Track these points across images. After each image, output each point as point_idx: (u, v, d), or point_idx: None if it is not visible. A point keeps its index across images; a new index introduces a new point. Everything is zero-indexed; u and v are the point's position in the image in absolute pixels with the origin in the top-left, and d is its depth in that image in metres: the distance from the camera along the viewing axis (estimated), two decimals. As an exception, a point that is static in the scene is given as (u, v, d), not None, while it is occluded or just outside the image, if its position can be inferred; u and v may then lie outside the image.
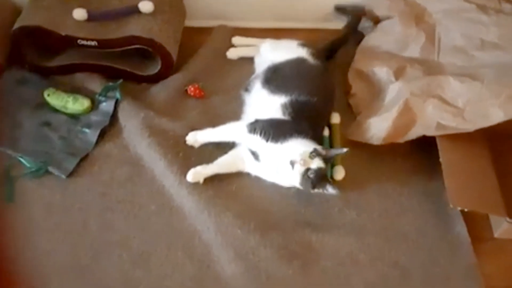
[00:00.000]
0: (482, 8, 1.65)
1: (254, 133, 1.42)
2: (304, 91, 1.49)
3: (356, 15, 1.94)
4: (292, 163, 1.34)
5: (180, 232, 1.37)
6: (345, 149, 1.38)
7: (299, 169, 1.33)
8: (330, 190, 1.34)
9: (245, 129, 1.45)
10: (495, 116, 1.36)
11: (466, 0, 1.68)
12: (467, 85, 1.44)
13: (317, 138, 1.46)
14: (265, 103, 1.51)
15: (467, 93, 1.43)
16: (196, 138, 1.53)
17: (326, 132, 1.58)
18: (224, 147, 1.51)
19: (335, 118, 1.62)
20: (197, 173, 1.44)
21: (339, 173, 1.47)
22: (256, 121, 1.46)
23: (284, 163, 1.36)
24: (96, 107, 1.62)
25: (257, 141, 1.41)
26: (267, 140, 1.39)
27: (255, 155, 1.44)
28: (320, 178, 1.33)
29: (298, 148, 1.36)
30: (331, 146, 1.54)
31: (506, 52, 1.55)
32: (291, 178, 1.37)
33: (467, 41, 1.62)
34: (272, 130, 1.40)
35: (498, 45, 1.58)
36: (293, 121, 1.45)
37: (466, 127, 1.40)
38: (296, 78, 1.55)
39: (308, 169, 1.32)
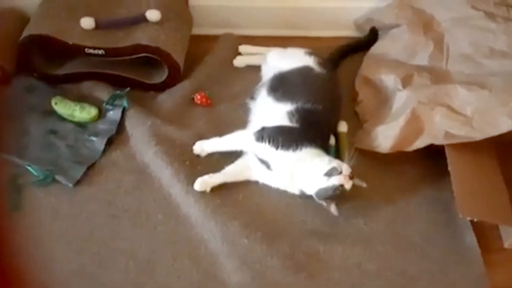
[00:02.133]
0: (491, 16, 1.65)
1: (262, 141, 1.41)
2: (310, 99, 1.48)
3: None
4: (330, 174, 1.32)
5: (186, 241, 1.36)
6: (364, 184, 1.37)
7: (335, 182, 1.31)
8: (333, 210, 1.36)
9: (253, 138, 1.44)
10: (504, 125, 1.35)
11: (474, 8, 1.68)
12: (475, 94, 1.43)
13: (324, 147, 1.46)
14: (271, 111, 1.51)
15: (475, 101, 1.42)
16: (203, 147, 1.52)
17: (332, 141, 1.57)
18: (230, 156, 1.51)
19: (343, 127, 1.61)
20: (204, 182, 1.43)
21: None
22: (263, 128, 1.45)
23: (299, 172, 1.38)
24: (103, 116, 1.62)
25: (266, 150, 1.41)
26: (276, 148, 1.39)
27: (266, 164, 1.43)
28: (339, 196, 1.34)
29: (324, 160, 1.35)
30: (338, 155, 1.52)
31: (515, 61, 1.55)
32: (308, 185, 1.37)
33: (476, 49, 1.62)
34: (281, 138, 1.39)
35: (507, 53, 1.58)
36: (301, 128, 1.44)
37: (474, 136, 1.38)
38: (302, 87, 1.55)
39: (341, 185, 1.31)
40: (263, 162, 1.44)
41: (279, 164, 1.41)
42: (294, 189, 1.44)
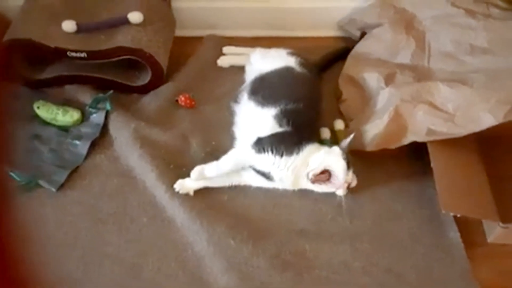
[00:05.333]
0: (471, 13, 1.67)
1: (263, 152, 1.39)
2: (290, 99, 1.47)
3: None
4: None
5: (172, 244, 1.36)
6: (351, 135, 1.42)
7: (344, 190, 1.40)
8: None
9: (252, 151, 1.41)
10: (486, 121, 1.36)
11: (454, 6, 1.69)
12: (457, 90, 1.44)
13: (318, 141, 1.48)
14: (256, 117, 1.49)
15: (457, 98, 1.43)
16: (204, 173, 1.44)
17: (327, 135, 1.58)
18: (217, 158, 1.47)
19: (339, 125, 1.63)
20: (184, 185, 1.43)
21: (351, 180, 1.46)
22: (260, 139, 1.42)
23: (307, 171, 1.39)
24: (87, 119, 1.61)
25: (269, 160, 1.39)
26: (281, 156, 1.37)
27: (265, 175, 1.42)
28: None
29: (334, 162, 1.38)
30: None
31: (496, 57, 1.56)
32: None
33: (457, 46, 1.63)
34: (283, 144, 1.38)
35: (487, 49, 1.59)
36: (295, 129, 1.43)
37: (456, 132, 1.39)
38: (281, 87, 1.55)
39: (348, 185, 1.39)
40: (262, 173, 1.43)
41: (283, 170, 1.40)
42: (295, 187, 1.45)
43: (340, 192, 1.41)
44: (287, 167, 1.39)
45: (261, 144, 1.40)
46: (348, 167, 1.38)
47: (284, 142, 1.39)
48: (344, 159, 1.38)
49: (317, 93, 1.63)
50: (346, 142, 1.42)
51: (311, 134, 1.48)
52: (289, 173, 1.40)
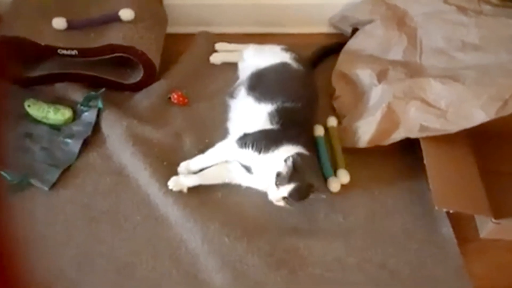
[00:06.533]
0: (462, 10, 1.67)
1: (245, 147, 1.39)
2: (289, 97, 1.47)
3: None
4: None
5: (166, 242, 1.35)
6: (290, 159, 1.31)
7: (280, 203, 1.34)
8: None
9: (235, 145, 1.42)
10: (477, 117, 1.37)
11: (446, 2, 1.70)
12: (449, 87, 1.44)
13: (307, 142, 1.46)
14: (252, 112, 1.49)
15: (449, 94, 1.44)
16: (189, 167, 1.47)
17: (321, 132, 1.58)
18: None
19: (332, 121, 1.63)
20: (178, 183, 1.42)
21: (344, 176, 1.46)
22: (245, 135, 1.43)
23: (271, 172, 1.35)
24: (78, 117, 1.60)
25: (250, 155, 1.39)
26: (259, 152, 1.37)
27: (248, 169, 1.42)
28: (301, 194, 1.32)
29: (277, 163, 1.33)
30: (331, 149, 1.54)
31: (487, 53, 1.56)
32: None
33: (448, 43, 1.64)
34: (264, 141, 1.38)
35: (479, 46, 1.60)
36: (281, 128, 1.43)
37: (449, 128, 1.40)
38: (280, 84, 1.55)
39: (285, 198, 1.32)
40: (245, 167, 1.43)
41: (260, 167, 1.40)
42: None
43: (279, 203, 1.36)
44: (263, 164, 1.39)
45: (244, 139, 1.41)
46: (290, 181, 1.29)
47: (266, 140, 1.39)
48: (279, 175, 1.31)
49: (315, 92, 1.63)
50: (289, 161, 1.31)
51: (296, 134, 1.44)
52: (264, 170, 1.39)
